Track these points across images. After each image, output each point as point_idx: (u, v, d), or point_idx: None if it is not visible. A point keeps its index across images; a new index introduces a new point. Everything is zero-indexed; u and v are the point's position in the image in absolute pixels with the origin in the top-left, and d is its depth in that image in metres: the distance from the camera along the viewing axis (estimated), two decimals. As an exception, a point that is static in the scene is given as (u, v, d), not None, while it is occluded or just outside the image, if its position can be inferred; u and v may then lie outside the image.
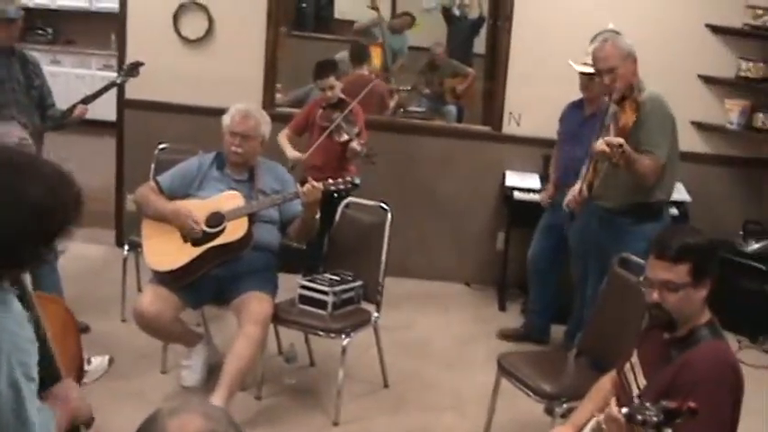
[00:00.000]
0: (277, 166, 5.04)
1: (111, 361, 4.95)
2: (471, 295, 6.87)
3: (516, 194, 6.43)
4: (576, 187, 4.95)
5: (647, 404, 2.44)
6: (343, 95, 5.97)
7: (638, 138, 4.62)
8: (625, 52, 4.69)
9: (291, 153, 5.89)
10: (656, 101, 4.73)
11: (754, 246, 6.42)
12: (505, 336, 6.02)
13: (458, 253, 6.99)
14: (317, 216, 4.78)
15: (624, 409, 2.51)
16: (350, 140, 5.80)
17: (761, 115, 6.44)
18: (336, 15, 9.91)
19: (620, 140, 4.44)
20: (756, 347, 6.23)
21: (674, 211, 5.94)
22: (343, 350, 4.70)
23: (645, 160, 4.61)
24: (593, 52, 4.83)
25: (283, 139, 5.96)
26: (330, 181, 4.67)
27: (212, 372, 4.80)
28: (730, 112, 6.53)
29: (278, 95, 6.98)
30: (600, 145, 4.50)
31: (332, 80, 5.89)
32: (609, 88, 4.71)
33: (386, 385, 5.17)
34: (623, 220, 4.88)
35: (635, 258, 4.24)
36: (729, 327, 3.08)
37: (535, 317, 6.02)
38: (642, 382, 2.96)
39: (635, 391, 2.97)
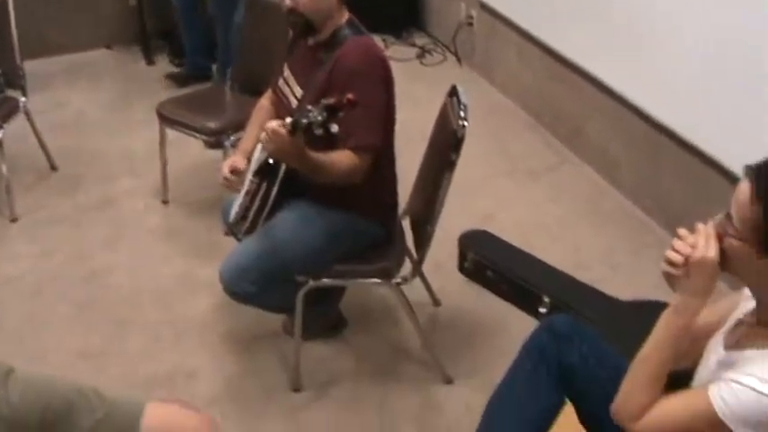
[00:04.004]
0: None
1: None
2: (116, 57, 6.67)
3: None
4: None
5: (309, 107, 2.51)
6: None
7: None
8: None
9: None
10: None
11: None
12: (172, 77, 6.05)
13: (92, 18, 6.68)
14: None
15: (288, 119, 2.57)
16: None
17: None
18: None
19: None
20: (401, 43, 6.52)
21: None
22: (0, 143, 4.51)
23: None
24: None
25: None
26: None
27: None
28: None
29: None
30: None
31: None
32: None
33: (54, 168, 5.03)
34: None
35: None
36: (373, 29, 3.17)
37: (194, 57, 6.04)
38: (298, 91, 3.03)
39: (293, 103, 3.04)
